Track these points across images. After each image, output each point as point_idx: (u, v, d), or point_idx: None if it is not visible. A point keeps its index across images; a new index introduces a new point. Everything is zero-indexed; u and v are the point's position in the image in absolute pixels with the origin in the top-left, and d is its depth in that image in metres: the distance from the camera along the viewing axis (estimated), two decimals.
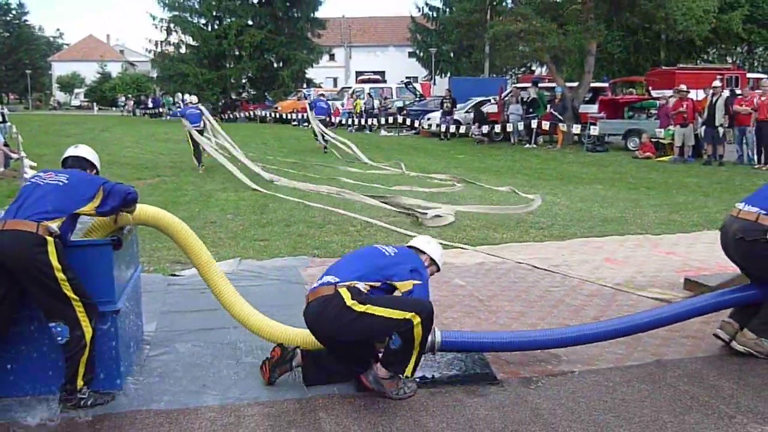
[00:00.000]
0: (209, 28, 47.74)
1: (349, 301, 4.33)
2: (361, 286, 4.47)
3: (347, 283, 4.47)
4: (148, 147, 23.76)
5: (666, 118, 20.44)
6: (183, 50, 48.81)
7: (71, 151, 4.95)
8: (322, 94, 35.30)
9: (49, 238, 4.12)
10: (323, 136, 21.99)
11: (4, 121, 27.12)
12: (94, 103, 70.96)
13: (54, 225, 4.19)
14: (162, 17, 47.82)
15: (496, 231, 9.87)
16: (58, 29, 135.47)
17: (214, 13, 47.59)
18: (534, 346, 5.05)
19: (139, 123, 44.14)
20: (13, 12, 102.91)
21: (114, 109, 64.35)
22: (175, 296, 6.77)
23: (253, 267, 7.89)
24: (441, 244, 5.85)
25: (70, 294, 4.14)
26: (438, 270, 5.04)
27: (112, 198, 4.48)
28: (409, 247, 5.03)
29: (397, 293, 4.51)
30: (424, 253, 4.94)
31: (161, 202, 12.50)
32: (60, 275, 4.10)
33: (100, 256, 4.33)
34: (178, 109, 28.47)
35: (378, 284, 4.56)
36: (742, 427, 4.10)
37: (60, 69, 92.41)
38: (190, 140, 17.49)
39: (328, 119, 24.82)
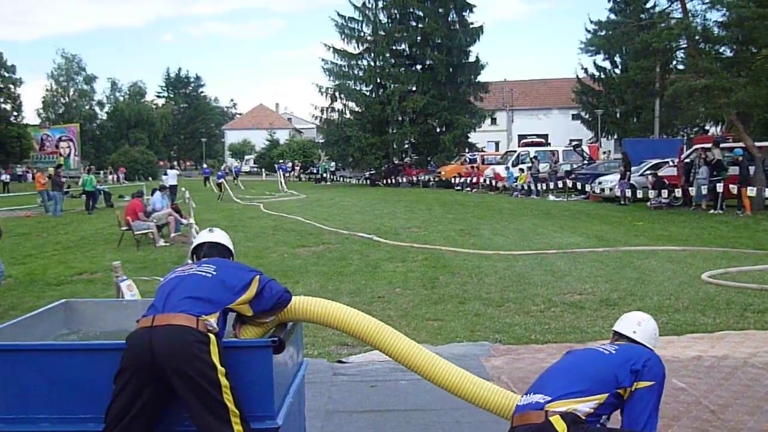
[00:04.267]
0: (373, 95, 48.37)
1: None
2: (582, 408, 3.41)
3: (561, 406, 3.42)
4: (312, 212, 23.67)
5: None
6: (347, 116, 49.66)
7: (206, 237, 4.28)
8: (282, 160, 63.15)
9: (212, 336, 3.39)
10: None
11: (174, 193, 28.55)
12: (263, 169, 73.92)
13: (212, 320, 3.46)
14: (327, 86, 48.98)
15: (705, 314, 8.47)
16: (231, 100, 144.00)
17: (378, 80, 48.23)
18: None
19: (304, 188, 45.10)
20: (192, 84, 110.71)
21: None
22: (342, 390, 5.94)
23: None
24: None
25: (231, 406, 3.36)
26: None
27: (268, 292, 3.73)
28: (616, 332, 3.96)
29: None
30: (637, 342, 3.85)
31: (325, 272, 12.01)
32: (223, 380, 3.34)
33: (257, 362, 3.51)
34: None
35: (603, 397, 3.48)
36: None
37: (232, 137, 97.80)
38: None
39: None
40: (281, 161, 62.10)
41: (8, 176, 51.36)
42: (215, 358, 3.35)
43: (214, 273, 3.70)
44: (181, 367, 3.30)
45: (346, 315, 4.03)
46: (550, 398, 3.45)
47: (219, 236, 4.27)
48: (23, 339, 4.06)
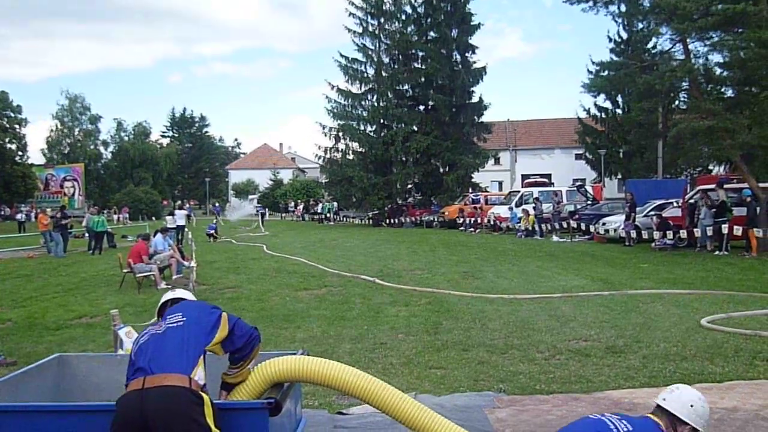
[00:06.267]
0: (376, 135, 48.45)
1: None
2: None
3: None
4: (315, 254, 23.55)
5: None
6: (350, 156, 49.68)
7: (169, 295, 4.35)
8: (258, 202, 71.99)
9: (205, 397, 3.28)
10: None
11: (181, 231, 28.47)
12: (266, 208, 74.02)
13: (200, 371, 3.37)
14: (331, 126, 49.09)
15: (713, 362, 8.32)
16: (236, 139, 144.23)
17: (382, 121, 48.37)
18: None
19: (307, 228, 45.03)
20: (197, 124, 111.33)
21: (284, 215, 66.58)
22: None
23: (430, 404, 6.80)
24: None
25: None
26: None
27: (239, 330, 3.73)
28: (660, 408, 3.73)
29: None
30: (686, 423, 3.63)
31: (327, 317, 11.89)
32: None
33: (253, 424, 3.40)
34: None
35: None
36: None
37: (236, 176, 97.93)
38: None
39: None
40: (259, 204, 68.41)
41: (24, 216, 51.13)
42: (209, 420, 3.25)
43: (184, 319, 3.66)
44: (175, 430, 3.19)
45: (344, 375, 3.92)
46: None
47: (181, 293, 4.35)
48: (14, 397, 3.96)
